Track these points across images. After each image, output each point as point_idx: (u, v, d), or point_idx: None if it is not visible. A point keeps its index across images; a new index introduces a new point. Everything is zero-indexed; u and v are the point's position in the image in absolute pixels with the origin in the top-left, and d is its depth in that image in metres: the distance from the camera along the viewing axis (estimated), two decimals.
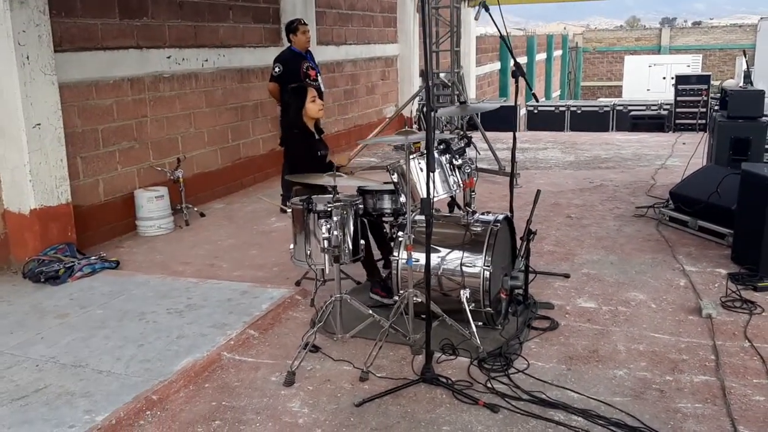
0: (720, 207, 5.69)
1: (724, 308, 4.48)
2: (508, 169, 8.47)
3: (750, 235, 5.07)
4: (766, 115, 6.82)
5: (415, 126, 12.66)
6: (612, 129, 14.80)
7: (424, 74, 10.29)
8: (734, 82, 23.64)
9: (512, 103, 15.04)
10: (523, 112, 16.52)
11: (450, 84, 10.12)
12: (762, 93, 6.76)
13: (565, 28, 47.33)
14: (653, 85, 26.53)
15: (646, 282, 5.02)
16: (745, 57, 9.55)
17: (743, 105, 6.67)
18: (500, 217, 4.37)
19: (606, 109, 15.24)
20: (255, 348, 4.17)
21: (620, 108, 15.16)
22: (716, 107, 7.79)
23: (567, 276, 5.15)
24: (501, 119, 14.82)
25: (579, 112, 15.51)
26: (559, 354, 3.95)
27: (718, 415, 3.25)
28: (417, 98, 11.30)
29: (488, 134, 9.56)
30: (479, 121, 10.02)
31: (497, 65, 22.41)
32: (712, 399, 3.40)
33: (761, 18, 19.17)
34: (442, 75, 10.31)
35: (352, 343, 4.11)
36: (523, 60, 25.38)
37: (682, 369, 3.71)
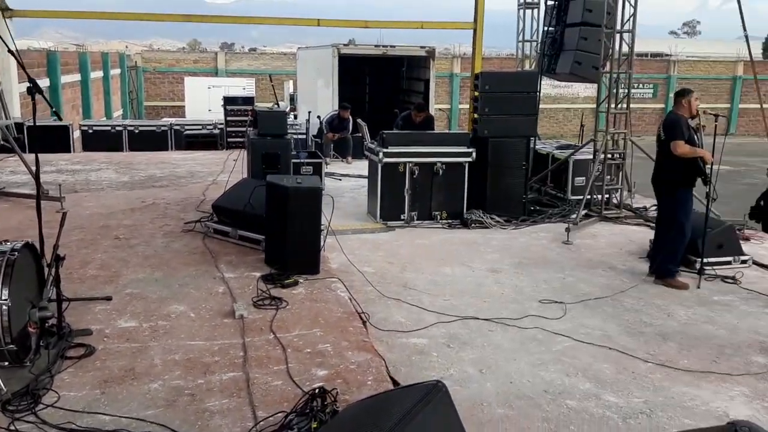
0: (254, 216, 6.27)
1: (255, 307, 4.94)
2: (54, 193, 7.89)
3: (277, 239, 5.71)
4: (290, 132, 7.78)
5: None
6: (171, 148, 15.03)
7: None
8: (284, 105, 26.24)
9: (64, 123, 14.09)
10: (77, 133, 15.56)
11: None
12: (284, 113, 7.70)
13: (126, 47, 46.25)
14: (214, 106, 27.78)
15: (188, 293, 5.22)
16: (272, 81, 10.71)
17: (271, 124, 7.48)
18: (19, 245, 4.01)
19: (164, 128, 15.39)
20: None
21: (177, 127, 15.48)
22: None
23: (109, 299, 5.01)
24: (54, 140, 13.74)
25: (137, 131, 15.32)
26: (94, 380, 3.82)
27: (242, 406, 3.57)
28: None
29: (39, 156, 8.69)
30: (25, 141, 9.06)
31: (46, 81, 20.65)
32: (237, 392, 3.71)
33: (299, 48, 21.74)
34: None
35: None
36: (76, 77, 23.93)
37: (213, 370, 3.97)
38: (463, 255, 6.95)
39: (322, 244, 5.79)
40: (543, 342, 4.80)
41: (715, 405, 3.96)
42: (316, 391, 3.28)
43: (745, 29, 10.76)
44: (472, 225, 8.09)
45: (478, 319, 5.17)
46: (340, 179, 11.01)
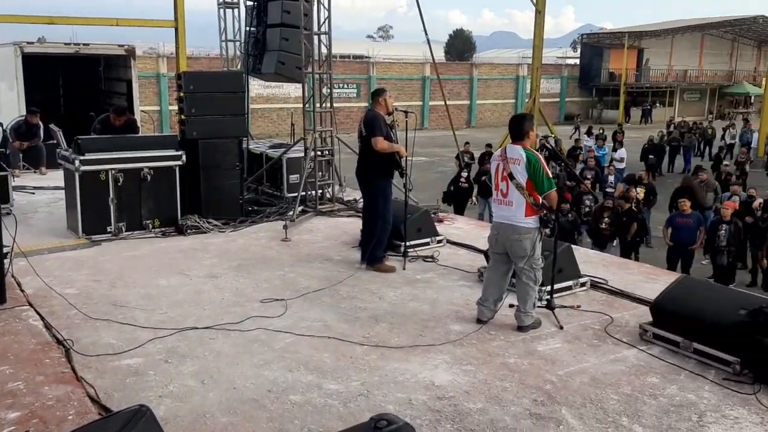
0: None
1: None
2: None
3: None
4: None
5: None
6: None
7: None
8: None
9: None
10: None
11: None
12: None
13: None
14: None
15: None
16: None
17: None
18: None
19: None
20: None
21: None
22: None
23: None
24: None
25: None
26: None
27: None
28: None
29: None
30: None
31: None
32: None
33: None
34: None
35: None
36: None
37: None
38: (180, 263, 6.65)
39: (7, 268, 5.05)
40: (265, 342, 4.78)
41: (423, 375, 4.31)
42: None
43: (426, 34, 12.03)
44: (189, 231, 7.79)
45: (197, 328, 4.97)
46: (33, 192, 9.88)
